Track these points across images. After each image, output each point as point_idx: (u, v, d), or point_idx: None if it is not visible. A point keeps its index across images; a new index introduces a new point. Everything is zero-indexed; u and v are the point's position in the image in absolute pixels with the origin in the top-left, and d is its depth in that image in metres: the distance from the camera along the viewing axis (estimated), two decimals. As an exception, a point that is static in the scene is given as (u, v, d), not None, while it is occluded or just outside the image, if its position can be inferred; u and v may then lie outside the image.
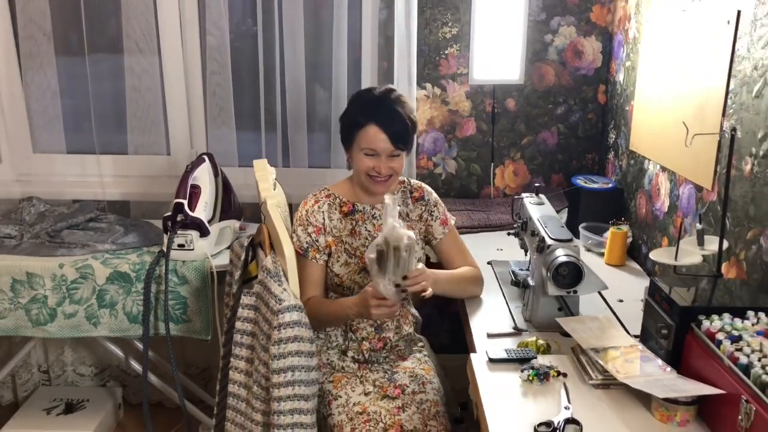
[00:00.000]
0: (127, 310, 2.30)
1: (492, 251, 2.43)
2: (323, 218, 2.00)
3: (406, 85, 2.64)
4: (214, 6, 2.66)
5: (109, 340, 2.56)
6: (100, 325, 2.32)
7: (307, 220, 2.00)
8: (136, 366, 2.60)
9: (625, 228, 2.32)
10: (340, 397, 1.90)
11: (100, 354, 2.92)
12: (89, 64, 2.70)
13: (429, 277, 1.84)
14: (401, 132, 1.94)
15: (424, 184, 2.14)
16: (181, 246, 2.26)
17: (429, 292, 1.81)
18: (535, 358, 1.63)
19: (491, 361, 1.63)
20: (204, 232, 2.29)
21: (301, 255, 1.95)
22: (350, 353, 2.02)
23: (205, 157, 2.42)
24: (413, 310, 2.15)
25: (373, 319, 1.91)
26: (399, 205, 2.05)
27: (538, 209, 2.06)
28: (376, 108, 1.94)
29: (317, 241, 1.99)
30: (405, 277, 1.76)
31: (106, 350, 2.76)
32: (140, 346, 2.60)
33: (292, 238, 1.96)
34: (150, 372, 2.48)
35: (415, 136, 2.08)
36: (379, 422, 1.79)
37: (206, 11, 2.68)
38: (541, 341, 1.71)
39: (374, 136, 1.92)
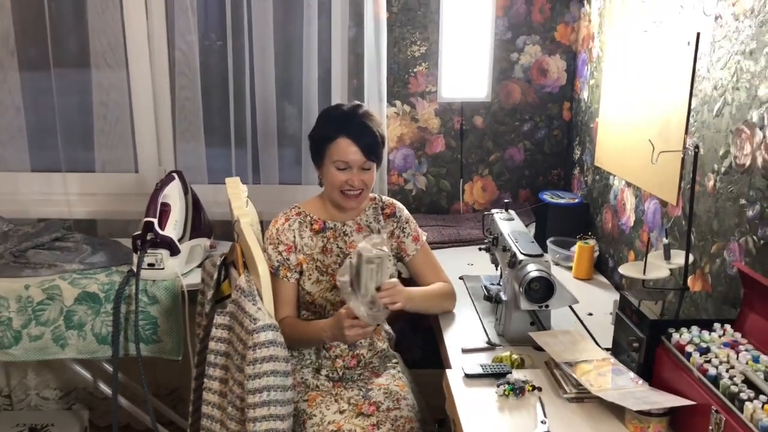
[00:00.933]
0: (96, 331, 2.26)
1: (463, 266, 2.45)
2: (294, 236, 2.01)
3: (376, 102, 2.67)
4: (183, 21, 2.65)
5: (77, 362, 2.51)
6: (67, 347, 2.27)
7: (277, 238, 2.00)
8: (105, 388, 2.55)
9: (592, 242, 2.37)
10: (315, 416, 1.89)
11: (65, 377, 2.86)
12: (54, 78, 2.66)
13: (401, 292, 1.86)
14: (372, 144, 1.96)
15: (395, 201, 2.16)
16: (151, 265, 2.24)
17: (398, 305, 1.84)
18: (510, 372, 1.65)
19: (467, 376, 1.65)
20: (174, 251, 2.26)
21: (272, 274, 1.95)
22: (324, 371, 2.02)
23: (175, 174, 2.40)
24: (387, 327, 2.16)
25: (348, 342, 1.91)
26: (370, 222, 2.07)
27: (509, 225, 2.09)
28: (345, 122, 1.97)
29: (288, 259, 1.99)
30: (378, 289, 1.78)
31: (72, 373, 2.71)
32: (108, 367, 2.57)
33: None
34: (119, 394, 2.43)
35: (385, 151, 2.10)
36: None
37: (175, 26, 2.67)
38: (515, 356, 1.73)
39: (345, 148, 1.94)
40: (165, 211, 2.29)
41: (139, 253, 2.22)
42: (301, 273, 2.00)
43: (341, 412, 1.89)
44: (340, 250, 2.03)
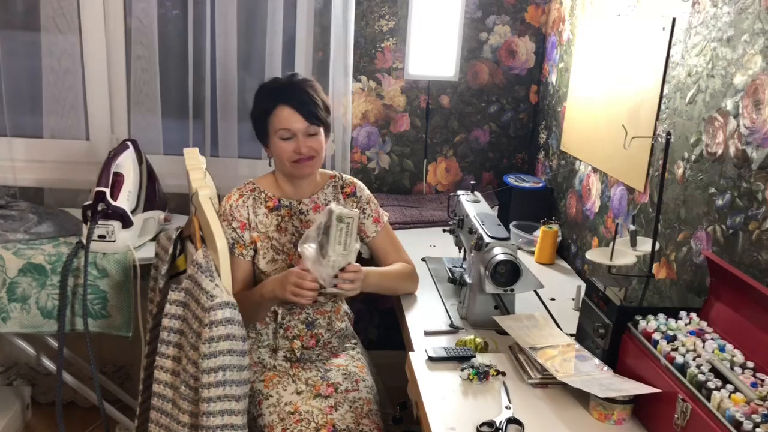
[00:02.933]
0: (41, 305, 2.15)
1: (425, 248, 2.41)
2: (248, 213, 1.94)
3: (341, 76, 2.60)
4: (141, -14, 2.53)
5: (19, 336, 2.39)
6: (9, 320, 2.16)
7: (231, 214, 1.93)
8: (48, 364, 2.44)
9: (555, 227, 2.36)
10: (271, 396, 1.84)
11: (5, 351, 2.73)
12: (1, 40, 2.51)
13: (361, 278, 1.81)
14: (312, 108, 1.91)
15: (356, 180, 2.09)
16: (101, 237, 2.14)
17: (353, 293, 1.82)
18: (474, 356, 1.62)
19: (431, 359, 1.61)
20: (127, 223, 2.17)
21: None
22: (281, 352, 1.96)
23: (129, 143, 2.30)
24: (345, 306, 2.11)
25: (288, 300, 1.80)
26: (329, 201, 2.00)
27: (475, 207, 2.06)
28: (282, 91, 1.92)
29: (243, 236, 1.92)
30: (343, 269, 1.76)
31: (13, 347, 2.59)
32: (53, 342, 2.46)
33: None
34: (64, 371, 2.33)
35: (331, 117, 2.04)
36: (311, 422, 1.75)
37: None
38: (479, 339, 1.70)
39: (287, 116, 1.89)
40: (118, 181, 2.19)
41: (89, 223, 2.11)
42: (255, 251, 1.94)
43: (298, 393, 1.84)
44: (296, 228, 1.96)
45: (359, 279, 1.80)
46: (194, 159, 1.95)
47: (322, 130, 1.94)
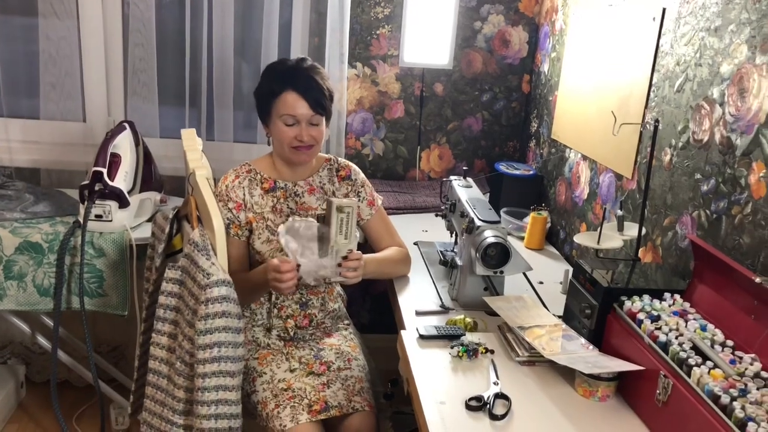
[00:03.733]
0: (38, 283, 2.18)
1: (418, 232, 2.45)
2: (243, 194, 1.97)
3: (337, 62, 2.63)
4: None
5: (15, 314, 2.42)
6: (6, 297, 2.18)
7: (227, 195, 1.96)
8: (44, 342, 2.47)
9: (545, 213, 2.40)
10: (265, 374, 1.88)
11: (1, 330, 2.75)
12: (-1, 24, 2.54)
13: (362, 266, 1.86)
14: (319, 97, 1.92)
15: (351, 163, 2.13)
16: (98, 216, 2.16)
17: (354, 281, 1.86)
18: (464, 335, 1.66)
19: (422, 337, 1.65)
20: (123, 203, 2.19)
21: None
22: (275, 331, 2.00)
23: (126, 125, 2.32)
24: (338, 287, 2.15)
25: (272, 288, 1.86)
26: (324, 184, 2.04)
27: (467, 192, 2.09)
28: (291, 75, 1.93)
29: (238, 217, 1.95)
30: (345, 258, 1.81)
31: (8, 326, 2.61)
32: (47, 321, 2.49)
33: None
34: (59, 349, 2.36)
35: (335, 107, 2.07)
36: (304, 398, 1.79)
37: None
38: (468, 319, 1.74)
39: (293, 102, 1.90)
40: (115, 161, 2.21)
41: (86, 203, 2.14)
42: (251, 232, 1.97)
43: (292, 371, 1.88)
44: (291, 210, 2.00)
45: (361, 267, 1.85)
46: (191, 140, 1.98)
47: (324, 119, 1.96)
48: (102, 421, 2.36)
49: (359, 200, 2.09)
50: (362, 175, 2.13)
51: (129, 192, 2.23)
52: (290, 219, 1.84)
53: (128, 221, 2.22)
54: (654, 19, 1.85)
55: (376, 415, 1.85)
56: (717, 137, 1.56)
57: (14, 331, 2.64)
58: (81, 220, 2.15)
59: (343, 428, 1.80)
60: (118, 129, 2.28)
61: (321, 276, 1.83)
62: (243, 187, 1.97)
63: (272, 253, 1.95)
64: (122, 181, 2.20)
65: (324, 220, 1.81)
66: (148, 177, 2.36)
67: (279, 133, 1.93)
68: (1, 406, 2.53)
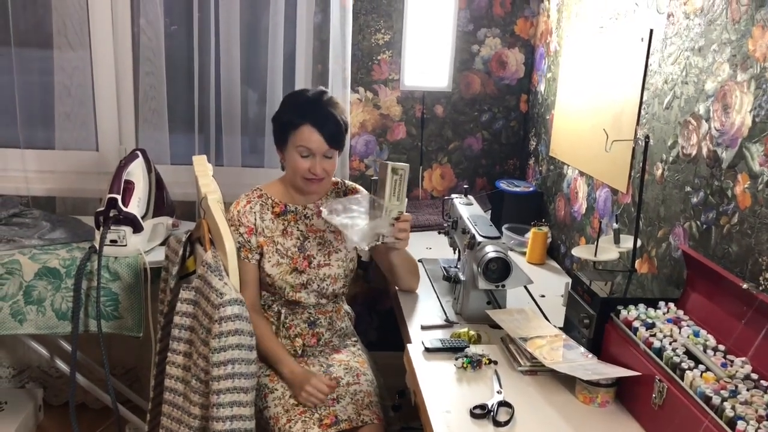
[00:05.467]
0: (56, 307, 2.26)
1: (422, 250, 2.52)
2: (255, 219, 2.03)
3: (340, 88, 2.71)
4: (148, 4, 2.65)
5: (33, 338, 2.49)
6: (26, 322, 2.25)
7: (238, 220, 2.02)
8: (61, 365, 2.54)
9: (545, 229, 2.47)
10: (276, 390, 1.94)
11: (19, 354, 2.83)
12: (15, 57, 2.63)
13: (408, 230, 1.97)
14: (335, 132, 1.99)
15: (358, 186, 2.20)
16: (113, 242, 2.24)
17: (403, 243, 1.97)
18: (468, 347, 1.72)
19: (427, 350, 1.72)
20: (137, 228, 2.27)
21: None
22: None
23: (139, 152, 2.41)
24: (346, 306, 2.21)
25: (297, 398, 1.90)
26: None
27: (468, 209, 2.17)
28: (310, 109, 1.99)
29: (249, 241, 2.02)
30: (397, 219, 1.93)
31: (26, 350, 2.68)
32: (65, 345, 2.55)
33: None
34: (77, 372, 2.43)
35: (347, 138, 2.14)
36: (314, 413, 1.85)
37: (141, 10, 2.66)
38: (472, 332, 1.81)
39: (309, 136, 1.96)
40: (128, 188, 2.29)
41: (102, 228, 2.22)
42: (261, 255, 2.04)
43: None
44: (301, 233, 2.07)
45: (408, 228, 1.96)
46: (202, 165, 2.06)
47: (337, 152, 2.04)
48: (119, 441, 2.42)
49: None
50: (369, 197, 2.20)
51: (142, 217, 2.31)
52: (328, 202, 1.92)
53: (142, 245, 2.30)
54: (642, 39, 1.94)
55: (385, 427, 1.90)
56: (704, 151, 1.64)
57: (32, 355, 2.71)
58: (97, 246, 2.22)
59: None
60: (131, 157, 2.36)
61: (377, 234, 1.91)
62: (254, 212, 2.04)
63: (282, 275, 2.02)
64: (136, 206, 2.29)
65: (375, 186, 1.89)
66: (161, 202, 2.44)
67: (293, 162, 2.00)
68: (21, 429, 2.60)
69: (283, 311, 2.06)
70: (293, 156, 1.99)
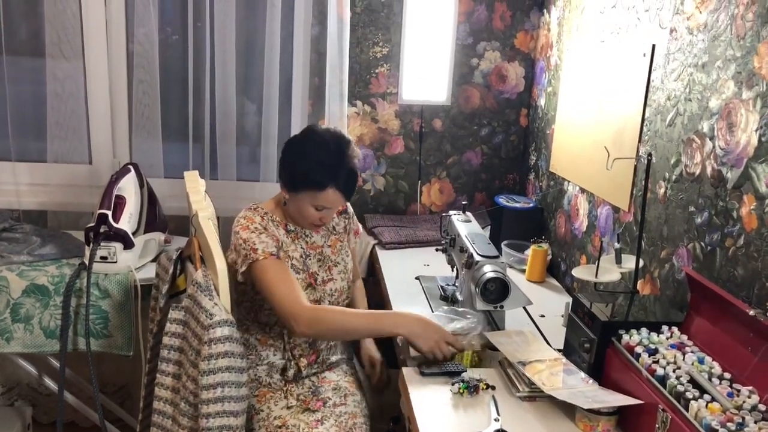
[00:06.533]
0: (44, 325, 2.21)
1: (419, 266, 2.47)
2: (275, 231, 1.97)
3: (337, 101, 2.68)
4: (143, 13, 2.61)
5: (21, 356, 2.44)
6: (13, 340, 2.20)
7: (264, 227, 1.93)
8: (50, 383, 2.49)
9: (545, 246, 2.42)
10: (262, 411, 1.89)
11: (7, 372, 2.77)
12: (6, 66, 2.60)
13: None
14: (354, 188, 1.97)
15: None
16: (103, 258, 2.19)
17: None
18: (465, 371, 1.67)
19: (423, 374, 1.66)
20: (128, 245, 2.23)
21: (274, 258, 1.87)
22: (290, 371, 2.00)
23: (131, 167, 2.36)
24: None
25: (422, 346, 1.76)
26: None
27: (466, 226, 2.12)
28: (337, 170, 1.89)
29: (278, 249, 1.93)
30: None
31: (15, 368, 2.63)
32: (53, 362, 2.50)
33: (256, 247, 1.86)
34: (66, 391, 2.37)
35: None
36: None
37: (134, 18, 2.63)
38: (472, 352, 1.75)
39: (333, 197, 1.91)
40: (119, 203, 2.25)
41: (91, 245, 2.17)
42: None
43: (288, 408, 1.89)
44: (303, 250, 2.02)
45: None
46: (194, 181, 2.02)
47: None
48: (108, 461, 2.37)
49: (351, 228, 2.17)
50: (351, 209, 2.20)
51: (134, 233, 2.27)
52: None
53: (133, 262, 2.25)
54: (644, 55, 1.89)
55: None
56: (708, 170, 1.59)
57: (21, 372, 2.65)
58: (86, 262, 2.18)
59: None
60: (123, 171, 2.32)
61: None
62: (273, 227, 1.98)
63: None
64: (127, 222, 2.24)
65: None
66: (153, 218, 2.39)
67: (304, 210, 1.94)
68: (9, 448, 2.54)
69: (285, 331, 2.00)
70: (306, 206, 1.93)
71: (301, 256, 2.01)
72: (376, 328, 1.88)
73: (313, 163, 1.89)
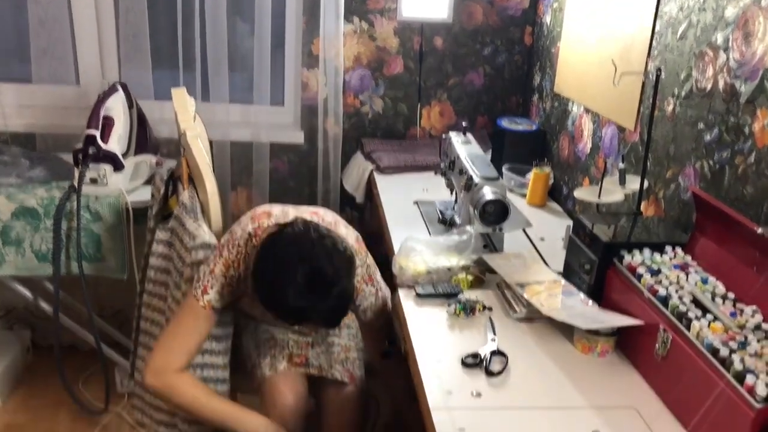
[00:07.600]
0: (36, 248, 2.17)
1: (418, 191, 2.41)
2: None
3: (333, 17, 2.56)
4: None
5: (16, 280, 2.42)
6: (5, 263, 2.18)
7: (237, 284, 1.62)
8: (46, 307, 2.47)
9: (547, 169, 2.36)
10: (249, 324, 1.86)
11: (4, 296, 2.76)
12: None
13: None
14: (343, 315, 1.56)
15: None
16: (93, 180, 2.14)
17: None
18: (461, 293, 1.64)
19: (419, 296, 1.63)
20: (118, 166, 2.17)
21: (210, 312, 1.59)
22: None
23: (119, 86, 2.28)
24: None
25: None
26: None
27: (466, 148, 2.05)
28: (316, 310, 1.48)
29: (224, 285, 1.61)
30: None
31: (11, 291, 2.61)
32: (50, 286, 2.48)
33: (208, 290, 1.57)
34: (62, 314, 2.36)
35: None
36: (285, 348, 1.78)
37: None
38: (469, 276, 1.71)
39: (312, 326, 1.75)
40: (108, 124, 2.18)
41: (80, 167, 2.11)
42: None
43: (276, 326, 1.84)
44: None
45: None
46: (182, 99, 1.94)
47: None
48: (106, 384, 2.38)
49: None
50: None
51: (123, 155, 2.20)
52: None
53: (124, 185, 2.20)
54: (657, -38, 1.78)
55: (361, 389, 1.78)
56: (721, 84, 1.51)
57: (17, 297, 2.63)
58: (76, 185, 2.12)
59: (323, 398, 1.77)
60: (110, 91, 2.24)
61: None
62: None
63: (264, 315, 1.68)
64: (116, 144, 2.17)
65: None
66: (143, 139, 2.32)
67: (279, 323, 1.73)
68: (9, 371, 2.56)
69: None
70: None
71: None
72: (223, 424, 1.61)
73: (285, 306, 1.48)
